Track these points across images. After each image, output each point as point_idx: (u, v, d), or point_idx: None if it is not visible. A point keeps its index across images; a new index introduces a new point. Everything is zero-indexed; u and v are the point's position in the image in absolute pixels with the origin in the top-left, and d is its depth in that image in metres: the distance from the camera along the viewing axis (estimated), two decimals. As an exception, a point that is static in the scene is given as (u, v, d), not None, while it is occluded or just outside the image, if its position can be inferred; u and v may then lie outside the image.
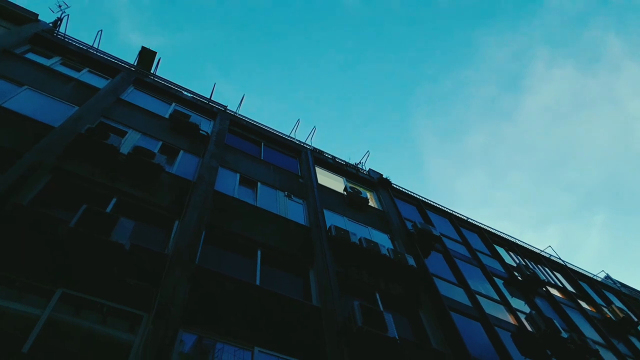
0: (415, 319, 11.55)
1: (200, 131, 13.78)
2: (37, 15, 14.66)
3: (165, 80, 16.10)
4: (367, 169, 19.59)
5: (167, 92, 15.51)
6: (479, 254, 17.54)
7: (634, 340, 17.61)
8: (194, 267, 8.57)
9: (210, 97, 16.89)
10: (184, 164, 12.02)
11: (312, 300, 9.86)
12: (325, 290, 10.09)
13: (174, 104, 15.09)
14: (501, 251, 19.44)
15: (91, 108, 11.63)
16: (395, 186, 18.94)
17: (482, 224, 20.66)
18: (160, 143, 12.30)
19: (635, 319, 18.46)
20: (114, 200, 9.33)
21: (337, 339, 8.91)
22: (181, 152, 12.48)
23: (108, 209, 9.00)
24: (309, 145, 18.39)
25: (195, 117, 14.22)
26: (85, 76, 13.71)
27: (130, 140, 11.54)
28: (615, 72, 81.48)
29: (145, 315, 7.22)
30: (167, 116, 13.80)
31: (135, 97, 14.13)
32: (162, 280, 7.87)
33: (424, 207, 18.92)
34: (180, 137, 13.09)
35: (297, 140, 18.17)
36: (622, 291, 22.91)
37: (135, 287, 7.56)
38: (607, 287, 22.37)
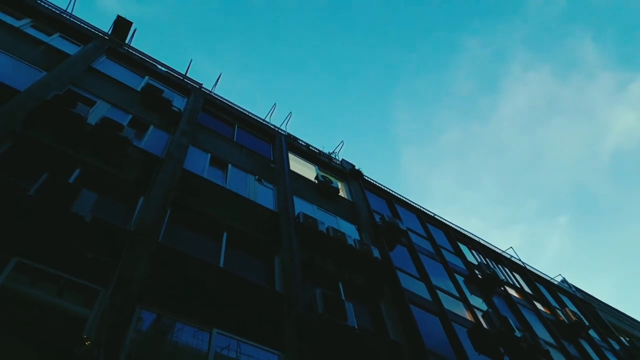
0: (376, 309, 11.68)
1: (173, 107, 13.48)
2: (8, -28, 13.98)
3: (139, 53, 15.65)
4: (340, 159, 19.61)
5: (141, 64, 15.08)
6: (442, 250, 17.85)
7: (584, 343, 18.31)
8: (156, 245, 8.41)
9: (186, 73, 16.55)
10: (154, 140, 11.74)
11: (275, 286, 9.85)
12: (289, 277, 10.09)
13: (147, 78, 14.70)
14: (464, 249, 19.84)
15: (60, 74, 11.21)
16: (366, 178, 19.03)
17: (448, 221, 21.03)
18: (130, 116, 11.98)
19: (587, 323, 19.17)
20: (77, 172, 9.05)
21: (296, 325, 8.94)
22: (151, 127, 12.18)
23: (71, 180, 8.72)
24: (283, 130, 18.27)
25: (168, 93, 13.90)
26: (56, 41, 13.19)
27: (98, 111, 11.19)
28: (589, 81, 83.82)
29: (103, 290, 7.06)
30: (139, 89, 13.42)
31: (107, 67, 13.69)
32: (122, 256, 7.69)
33: (393, 201, 19.10)
34: (151, 112, 12.77)
35: (272, 124, 18.02)
36: (577, 295, 23.76)
37: (94, 261, 7.38)
38: (563, 291, 23.15)
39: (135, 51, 15.59)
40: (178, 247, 8.98)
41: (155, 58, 15.92)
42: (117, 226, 8.28)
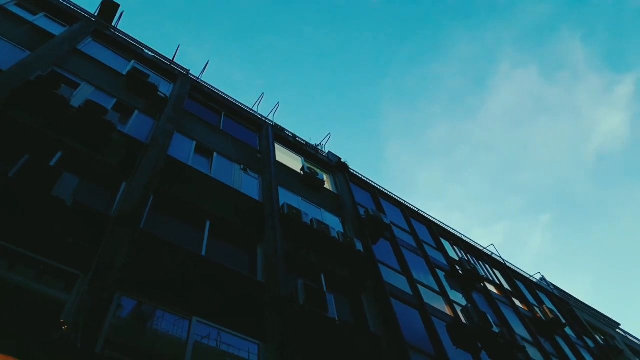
0: (357, 302, 11.75)
1: (159, 93, 13.29)
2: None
3: (126, 36, 15.38)
4: (327, 151, 19.59)
5: (128, 48, 14.83)
6: (425, 245, 18.00)
7: (560, 340, 18.67)
8: (138, 232, 8.32)
9: (173, 59, 16.32)
10: (138, 125, 11.57)
11: (257, 276, 9.83)
12: (272, 267, 10.08)
13: (133, 62, 14.46)
14: (446, 245, 20.04)
15: (44, 55, 10.97)
16: (352, 171, 19.06)
17: (431, 217, 21.20)
18: (115, 100, 11.79)
19: (563, 321, 19.55)
20: (59, 154, 8.88)
21: (277, 316, 8.95)
22: (136, 111, 12.00)
23: (52, 163, 8.57)
24: (270, 120, 18.17)
25: (154, 78, 13.70)
26: (40, 21, 12.88)
27: (82, 94, 10.99)
28: (576, 81, 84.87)
29: (82, 275, 6.97)
30: (124, 73, 13.19)
31: (93, 49, 13.43)
32: (103, 242, 7.60)
33: (378, 194, 19.17)
34: (136, 97, 12.57)
35: (259, 114, 17.91)
36: (555, 293, 24.18)
37: (74, 245, 7.28)
38: (541, 288, 23.54)
39: (121, 34, 15.33)
40: (160, 234, 8.90)
41: (142, 42, 15.68)
42: (98, 211, 8.17)
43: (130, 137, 10.75)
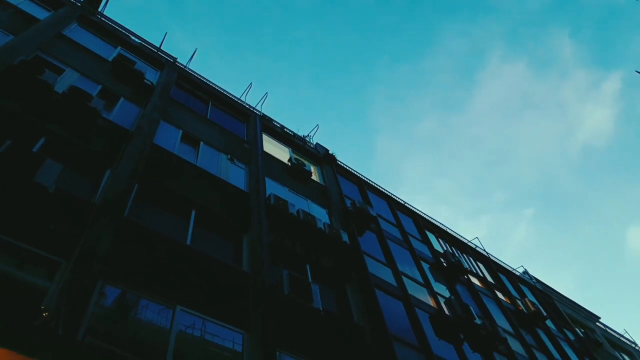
0: (342, 293, 11.81)
1: (145, 80, 13.14)
2: None
3: (112, 22, 15.15)
4: (315, 143, 19.57)
5: (114, 34, 14.61)
6: (410, 237, 18.13)
7: (540, 333, 18.99)
8: (122, 220, 8.26)
9: (160, 46, 16.13)
10: (124, 112, 11.44)
11: (242, 266, 9.83)
12: (257, 257, 10.08)
13: (119, 48, 14.25)
14: (431, 237, 20.21)
15: (28, 39, 10.77)
16: (339, 163, 19.08)
17: (417, 210, 21.34)
18: (100, 87, 11.63)
19: (545, 314, 19.86)
20: (42, 140, 8.76)
21: (262, 306, 8.96)
22: (122, 99, 11.85)
23: (35, 149, 8.45)
24: (258, 111, 18.08)
25: (141, 65, 13.54)
26: (25, 4, 12.61)
27: (67, 79, 10.83)
28: (563, 77, 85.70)
29: (64, 263, 6.91)
30: (110, 60, 13.01)
31: (78, 34, 13.21)
32: (86, 229, 7.54)
33: (365, 187, 19.22)
34: (122, 84, 12.42)
35: (247, 104, 17.80)
36: (537, 287, 24.55)
37: (56, 233, 7.21)
38: (524, 282, 23.88)
39: (108, 20, 15.10)
40: (144, 223, 8.84)
41: (129, 29, 15.47)
42: (81, 199, 8.09)
43: (116, 124, 10.63)
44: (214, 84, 16.86)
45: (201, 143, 12.80)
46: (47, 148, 8.76)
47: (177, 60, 16.27)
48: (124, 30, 15.33)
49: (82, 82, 11.21)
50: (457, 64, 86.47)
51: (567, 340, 20.56)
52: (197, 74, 16.62)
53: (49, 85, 9.61)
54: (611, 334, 27.35)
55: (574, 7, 79.08)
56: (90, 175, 9.06)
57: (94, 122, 9.98)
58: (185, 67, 16.51)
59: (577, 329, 23.04)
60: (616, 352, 25.16)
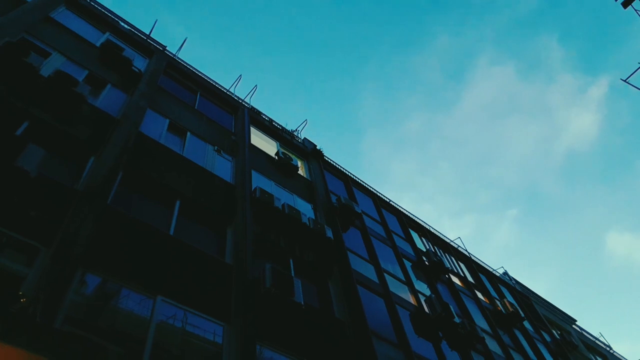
0: (324, 288, 11.86)
1: (133, 67, 12.97)
2: None
3: (101, 6, 14.91)
4: (303, 138, 19.55)
5: (103, 19, 14.39)
6: (394, 235, 18.24)
7: (518, 333, 19.27)
8: (105, 208, 8.17)
9: (150, 33, 15.93)
10: (110, 99, 11.29)
11: (226, 258, 9.81)
12: (240, 250, 10.06)
13: (107, 34, 14.05)
14: (415, 236, 20.35)
15: (14, 21, 10.55)
16: (326, 159, 19.09)
17: (402, 208, 21.46)
18: (87, 72, 11.45)
19: (522, 315, 20.17)
20: (25, 124, 8.61)
21: (243, 298, 8.96)
22: (108, 85, 11.70)
23: (18, 132, 8.31)
24: (247, 103, 17.99)
25: (129, 52, 13.36)
26: (11, -16, 12.36)
27: (53, 63, 10.65)
28: (551, 81, 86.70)
29: (44, 250, 6.82)
30: (98, 45, 12.82)
31: (66, 18, 12.98)
32: (67, 216, 7.44)
33: (351, 183, 19.27)
34: (109, 70, 12.25)
35: (236, 96, 17.70)
36: (516, 288, 24.90)
37: (37, 218, 7.11)
38: (503, 283, 24.20)
39: (96, 4, 14.85)
40: (128, 211, 8.77)
41: (118, 14, 15.25)
42: (64, 185, 7.98)
43: (101, 111, 10.50)
44: (203, 74, 16.73)
45: (188, 133, 12.71)
46: (31, 132, 8.62)
47: (167, 48, 16.10)
48: (113, 15, 15.10)
49: (69, 67, 11.04)
50: (447, 63, 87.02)
51: (544, 341, 20.91)
52: (186, 63, 16.48)
53: (35, 68, 9.45)
54: (587, 336, 27.88)
55: (564, 12, 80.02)
56: (73, 161, 8.93)
57: (80, 108, 9.84)
58: (174, 55, 16.35)
59: (553, 331, 23.44)
60: (591, 355, 25.67)
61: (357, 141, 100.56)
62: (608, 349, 28.86)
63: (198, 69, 16.63)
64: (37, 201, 7.34)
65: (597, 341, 28.49)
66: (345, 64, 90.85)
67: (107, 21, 14.48)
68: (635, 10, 15.69)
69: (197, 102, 14.97)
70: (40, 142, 8.49)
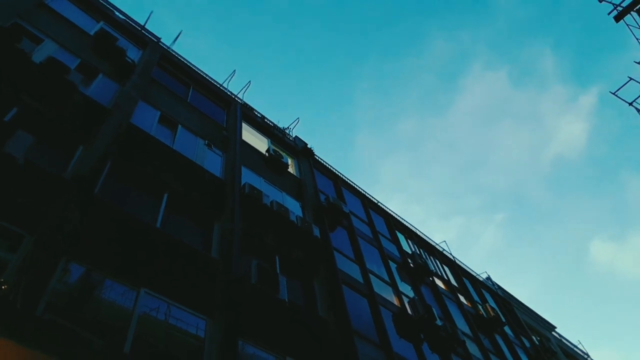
0: (309, 286, 11.92)
1: (126, 58, 12.88)
2: None
3: (96, -5, 14.77)
4: (294, 136, 19.57)
5: (97, 8, 14.27)
6: (380, 236, 18.35)
7: (498, 338, 19.50)
8: (92, 197, 8.15)
9: (144, 24, 15.84)
10: (102, 89, 11.22)
11: (212, 252, 9.82)
12: (227, 245, 10.08)
13: (102, 23, 13.93)
14: (401, 238, 20.48)
15: (7, 5, 10.44)
16: (317, 158, 19.14)
17: (390, 210, 21.60)
18: (79, 60, 11.37)
19: (504, 320, 20.41)
20: (14, 110, 8.54)
21: (228, 293, 8.99)
22: (100, 74, 11.62)
23: (6, 118, 8.24)
24: (240, 99, 17.97)
25: (123, 42, 13.30)
26: (5, -32, 12.23)
27: (45, 50, 10.56)
28: (543, 88, 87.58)
29: (29, 237, 6.79)
30: (92, 34, 12.73)
31: (60, 5, 12.85)
32: (53, 204, 7.41)
33: (340, 183, 19.35)
34: (102, 60, 12.17)
35: (229, 91, 17.66)
36: (498, 293, 25.16)
37: (23, 205, 7.07)
38: (486, 287, 24.45)
39: (92, -8, 14.70)
40: (115, 202, 8.75)
41: (113, 3, 15.13)
42: (51, 173, 7.94)
43: (92, 100, 10.43)
44: (197, 68, 16.68)
45: (179, 126, 12.67)
46: (20, 118, 8.55)
47: (161, 40, 16.02)
48: (108, 4, 14.99)
49: (61, 54, 10.95)
50: (442, 66, 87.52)
51: (523, 347, 21.17)
52: (180, 56, 16.41)
53: (26, 54, 9.37)
54: (566, 344, 28.26)
55: (558, 20, 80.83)
56: (62, 149, 8.88)
57: (70, 96, 9.77)
58: (168, 48, 16.27)
59: (533, 337, 23.73)
60: (569, 362, 26.03)
61: (349, 141, 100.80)
62: (586, 356, 29.28)
63: (192, 62, 16.59)
64: (24, 188, 7.30)
65: (575, 349, 28.90)
66: (341, 64, 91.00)
67: (101, 10, 14.37)
68: (627, 24, 15.94)
69: (189, 96, 14.93)
70: (29, 128, 8.42)
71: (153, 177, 10.09)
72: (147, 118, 11.78)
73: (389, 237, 19.43)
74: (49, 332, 5.95)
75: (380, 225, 19.68)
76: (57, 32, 11.48)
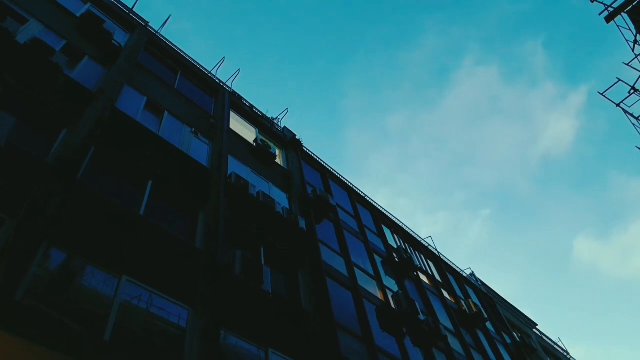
0: (294, 278, 11.88)
1: (113, 41, 12.63)
2: None
3: (85, -24, 14.44)
4: (283, 126, 19.45)
5: (85, -11, 13.95)
6: (367, 230, 18.37)
7: (480, 334, 19.69)
8: (74, 182, 7.98)
9: (133, 8, 15.54)
10: (87, 72, 10.98)
11: (196, 242, 9.71)
12: (212, 235, 9.98)
13: (89, 4, 13.61)
14: (387, 232, 20.52)
15: (-10, -18, 10.15)
16: (305, 149, 19.05)
17: (377, 204, 21.61)
18: (65, 42, 11.10)
19: (486, 316, 20.61)
20: (-4, 91, 8.32)
21: (211, 283, 8.90)
22: (86, 57, 11.37)
23: (-13, 99, 8.03)
24: (228, 87, 17.77)
25: (110, 25, 13.01)
26: (-11, -56, 11.87)
27: (30, 30, 10.29)
28: (533, 85, 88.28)
29: (9, 220, 6.63)
30: (78, 15, 12.44)
31: (47, -16, 12.53)
32: (35, 188, 7.24)
33: (328, 175, 19.29)
34: (88, 42, 11.90)
35: (217, 78, 17.45)
36: (481, 289, 25.41)
37: (4, 188, 6.90)
38: (469, 283, 24.66)
39: (80, -27, 14.37)
40: (98, 188, 8.59)
41: (102, -15, 14.78)
42: (33, 156, 7.75)
43: (77, 83, 10.20)
44: (185, 54, 16.44)
45: (165, 113, 12.48)
46: (2, 99, 8.33)
47: (149, 24, 15.74)
48: (96, -14, 14.64)
49: (46, 35, 10.68)
50: (433, 60, 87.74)
51: (504, 343, 21.42)
52: (168, 41, 16.14)
53: (10, 33, 9.11)
54: (546, 341, 28.68)
55: (550, 18, 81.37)
56: (45, 132, 8.68)
57: (55, 78, 9.53)
58: (156, 32, 16.00)
59: (514, 334, 24.02)
60: (549, 359, 26.42)
61: (337, 133, 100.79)
62: (565, 354, 29.77)
63: (180, 48, 16.34)
64: (5, 171, 7.12)
65: (555, 346, 29.35)
66: (331, 56, 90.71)
67: (89, -9, 14.03)
68: (618, 25, 16.05)
69: (177, 82, 14.70)
70: (12, 110, 8.24)
71: (137, 164, 9.92)
72: (132, 103, 11.56)
73: (375, 231, 19.45)
74: (28, 317, 5.82)
75: (366, 218, 19.69)
76: (42, 13, 11.19)
